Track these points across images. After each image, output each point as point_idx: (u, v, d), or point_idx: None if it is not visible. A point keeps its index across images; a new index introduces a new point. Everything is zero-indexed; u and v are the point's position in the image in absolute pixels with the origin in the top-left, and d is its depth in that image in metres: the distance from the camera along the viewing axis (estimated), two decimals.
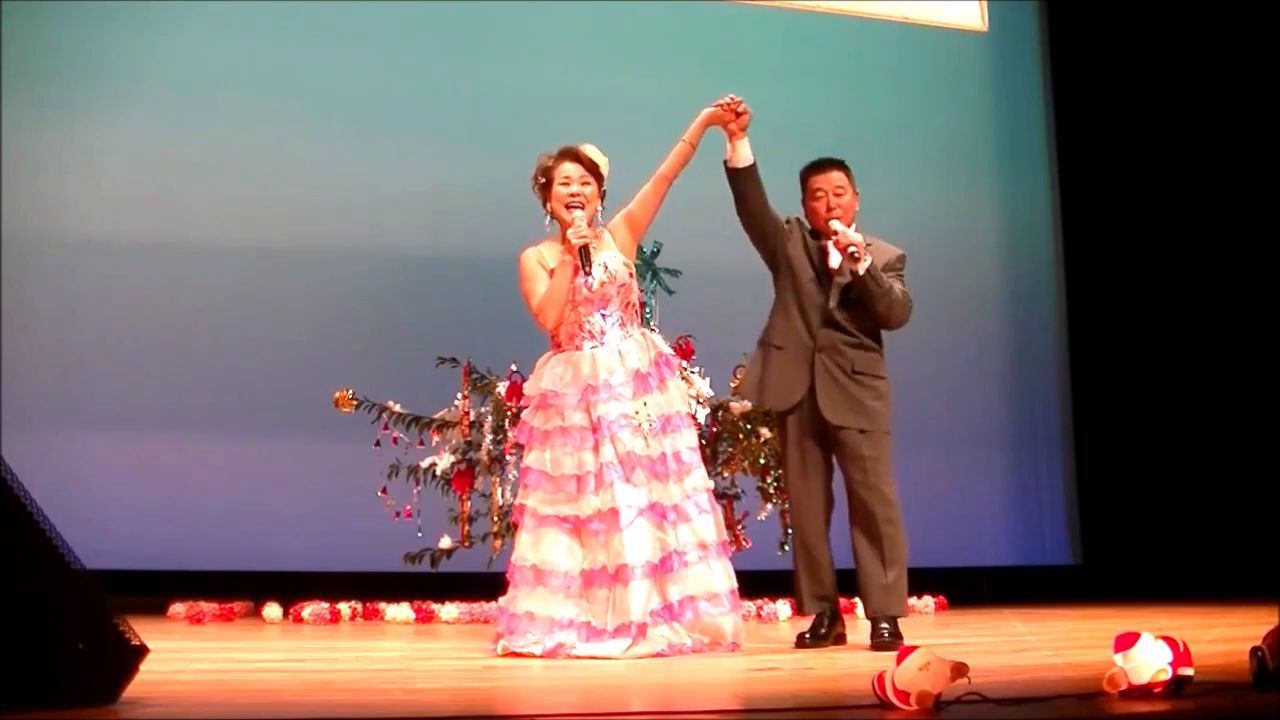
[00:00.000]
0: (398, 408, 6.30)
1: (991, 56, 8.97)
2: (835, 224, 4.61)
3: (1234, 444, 8.12)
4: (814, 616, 4.67)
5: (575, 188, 4.53)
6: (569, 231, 4.48)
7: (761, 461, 6.51)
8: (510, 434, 6.21)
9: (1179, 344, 8.46)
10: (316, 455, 7.08)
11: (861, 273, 4.56)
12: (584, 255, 4.44)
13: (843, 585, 4.72)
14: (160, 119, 7.40)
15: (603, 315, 4.53)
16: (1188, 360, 8.42)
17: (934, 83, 8.72)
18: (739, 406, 6.54)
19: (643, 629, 4.26)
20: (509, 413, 6.21)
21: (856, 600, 4.87)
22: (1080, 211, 8.90)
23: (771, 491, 6.55)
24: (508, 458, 6.24)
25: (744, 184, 4.68)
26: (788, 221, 4.80)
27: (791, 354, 4.68)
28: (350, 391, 6.27)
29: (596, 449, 4.39)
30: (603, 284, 4.50)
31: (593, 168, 4.57)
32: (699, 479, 4.53)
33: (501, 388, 6.25)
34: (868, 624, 4.66)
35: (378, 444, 6.20)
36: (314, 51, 7.65)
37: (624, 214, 4.64)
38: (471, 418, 6.29)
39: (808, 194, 4.78)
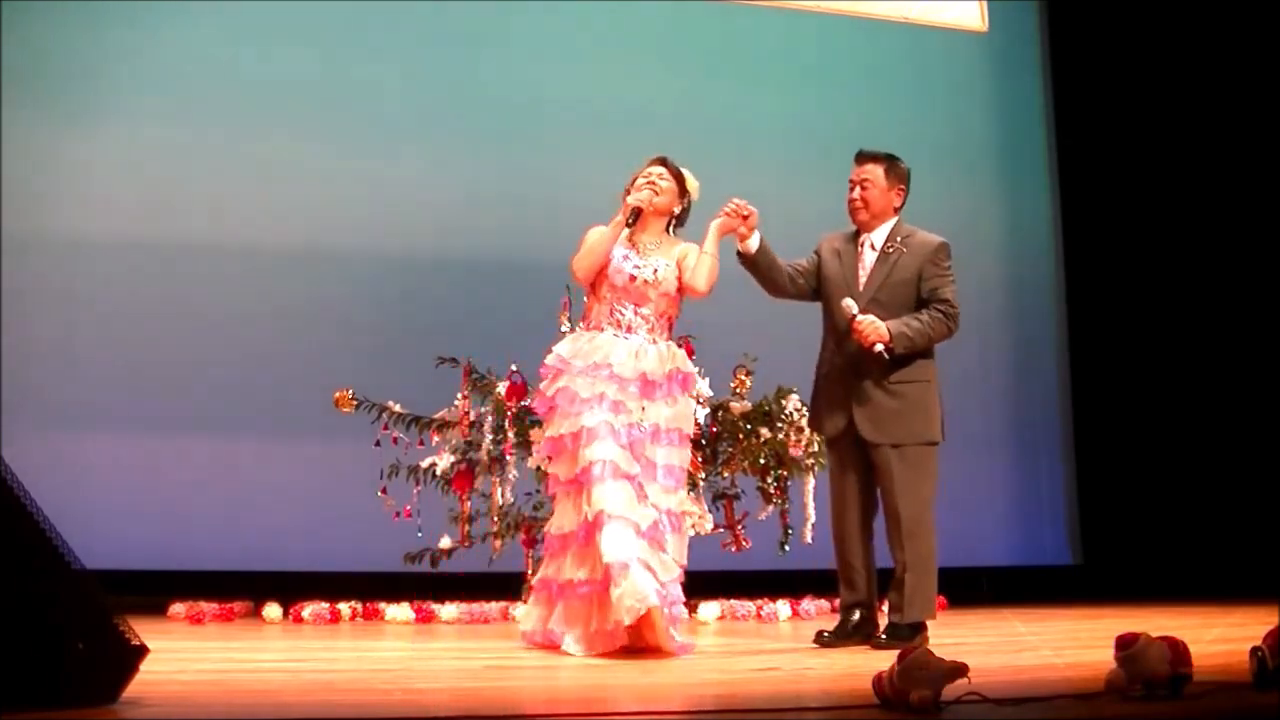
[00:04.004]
0: (398, 408, 6.29)
1: (991, 56, 8.96)
2: (857, 315, 4.55)
3: (1233, 445, 8.12)
4: (841, 613, 4.72)
5: (652, 178, 4.61)
6: (630, 196, 4.55)
7: (761, 461, 6.51)
8: (510, 434, 6.23)
9: (1179, 345, 8.45)
10: (316, 455, 7.08)
11: (890, 356, 4.54)
12: (635, 215, 4.53)
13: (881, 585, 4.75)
14: (159, 120, 7.38)
15: (636, 311, 4.55)
16: (1188, 361, 8.42)
17: (934, 83, 8.70)
18: (739, 406, 6.54)
19: (624, 568, 4.17)
20: (509, 413, 6.22)
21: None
22: (1080, 212, 8.89)
23: (771, 491, 6.54)
24: (507, 458, 6.25)
25: (759, 268, 4.72)
26: (817, 251, 4.80)
27: (834, 378, 4.70)
28: (350, 391, 6.27)
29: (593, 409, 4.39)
30: (646, 282, 4.52)
31: (677, 175, 4.64)
32: (678, 499, 4.51)
33: (501, 388, 6.25)
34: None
35: (378, 444, 6.19)
36: (314, 53, 7.63)
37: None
38: (471, 418, 6.28)
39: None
